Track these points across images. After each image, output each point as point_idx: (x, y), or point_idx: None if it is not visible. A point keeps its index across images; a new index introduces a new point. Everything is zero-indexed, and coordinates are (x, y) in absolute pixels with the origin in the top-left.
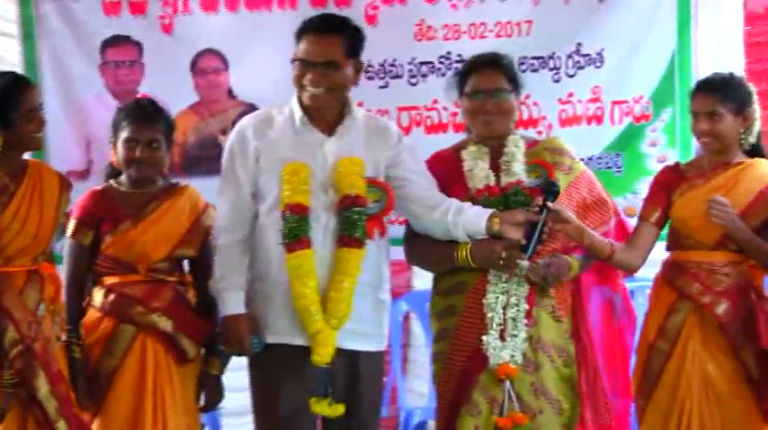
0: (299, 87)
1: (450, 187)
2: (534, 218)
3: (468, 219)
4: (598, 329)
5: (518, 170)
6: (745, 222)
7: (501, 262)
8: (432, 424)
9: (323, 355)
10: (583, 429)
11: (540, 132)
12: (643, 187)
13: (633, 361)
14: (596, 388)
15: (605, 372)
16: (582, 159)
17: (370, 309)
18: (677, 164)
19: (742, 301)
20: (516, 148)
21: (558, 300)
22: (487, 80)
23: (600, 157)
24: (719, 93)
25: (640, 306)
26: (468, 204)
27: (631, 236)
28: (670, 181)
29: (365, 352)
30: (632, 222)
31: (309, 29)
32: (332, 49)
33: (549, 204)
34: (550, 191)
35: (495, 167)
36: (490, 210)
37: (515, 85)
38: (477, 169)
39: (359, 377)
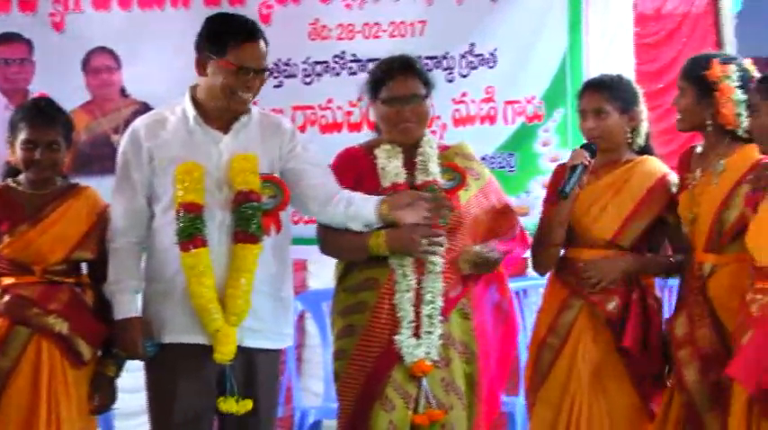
0: (230, 94)
1: (361, 185)
2: (424, 196)
3: (358, 210)
4: (491, 326)
5: (434, 170)
6: (634, 222)
7: (421, 248)
8: (327, 423)
9: (225, 353)
10: (476, 425)
11: (434, 132)
12: (536, 187)
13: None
14: (491, 385)
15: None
16: None
17: (269, 307)
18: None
19: (630, 299)
20: (431, 149)
21: (469, 298)
22: (403, 87)
23: (493, 157)
24: (606, 91)
25: (533, 304)
26: (357, 194)
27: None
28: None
29: (262, 350)
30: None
31: (245, 36)
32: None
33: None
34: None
35: (408, 167)
36: (375, 197)
37: (428, 87)
38: (390, 167)
39: (256, 375)
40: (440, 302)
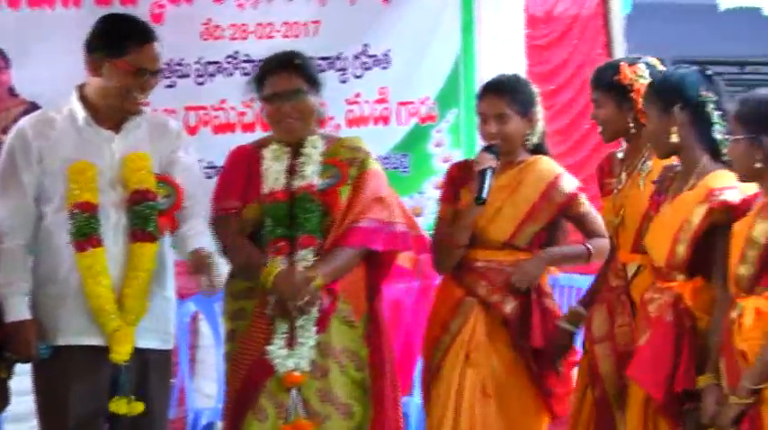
0: (126, 94)
1: (248, 185)
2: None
3: (186, 247)
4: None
5: (309, 173)
6: (530, 224)
7: (300, 303)
8: (220, 424)
9: (122, 353)
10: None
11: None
12: (429, 187)
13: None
14: (391, 390)
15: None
16: None
17: (157, 307)
18: (465, 161)
19: (526, 300)
20: (314, 150)
21: (353, 306)
22: (283, 82)
23: (387, 158)
24: (507, 95)
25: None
26: (201, 232)
27: (435, 235)
28: (459, 177)
29: (154, 350)
30: (419, 221)
31: (143, 38)
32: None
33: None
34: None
35: (293, 168)
36: (206, 247)
37: (313, 83)
38: (272, 170)
39: (148, 375)
40: (314, 313)
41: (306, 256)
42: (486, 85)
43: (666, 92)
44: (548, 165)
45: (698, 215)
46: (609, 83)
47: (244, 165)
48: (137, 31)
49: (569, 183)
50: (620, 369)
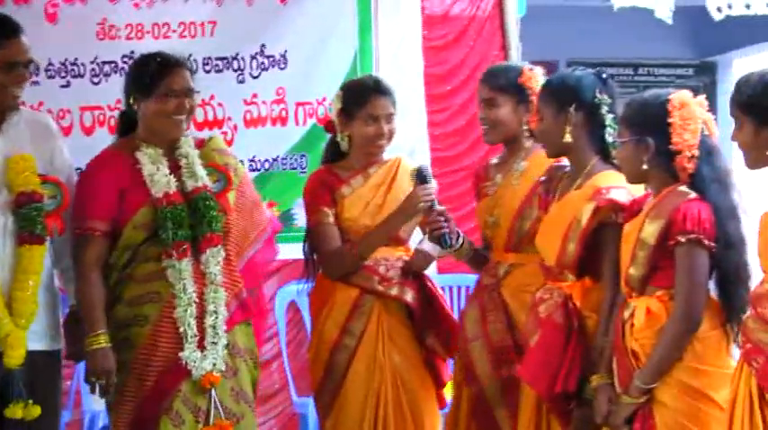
0: (2, 89)
1: (128, 192)
2: None
3: None
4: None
5: (202, 173)
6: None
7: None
8: None
9: (15, 357)
10: None
11: (225, 133)
12: None
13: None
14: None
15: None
16: (267, 160)
17: (43, 308)
18: (328, 166)
19: (421, 289)
20: (191, 149)
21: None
22: (183, 80)
23: (285, 158)
24: (393, 96)
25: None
26: None
27: (324, 241)
28: (331, 182)
29: (44, 352)
30: None
31: (11, 31)
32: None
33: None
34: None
35: (172, 170)
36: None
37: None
38: (159, 175)
39: (39, 379)
40: (223, 312)
41: (213, 255)
42: (375, 88)
43: (563, 92)
44: (408, 161)
45: (586, 213)
46: (510, 84)
47: (115, 175)
48: (2, 26)
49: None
50: (497, 367)
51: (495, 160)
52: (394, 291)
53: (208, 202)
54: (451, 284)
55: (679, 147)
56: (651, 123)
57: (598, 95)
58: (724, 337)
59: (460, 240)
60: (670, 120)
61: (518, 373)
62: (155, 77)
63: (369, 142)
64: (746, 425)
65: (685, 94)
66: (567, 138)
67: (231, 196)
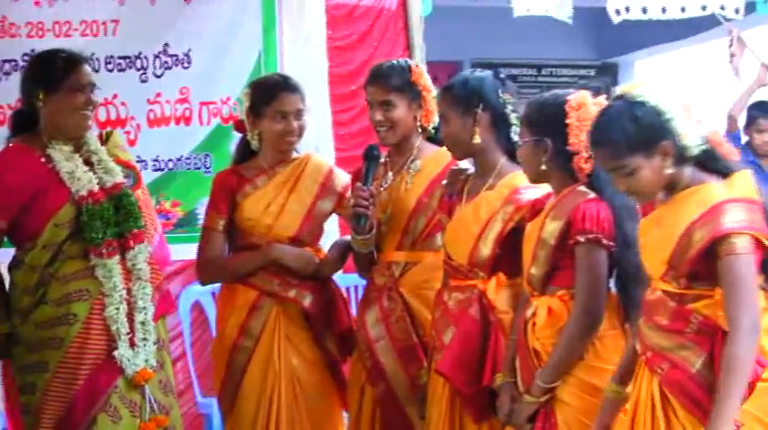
0: None
1: (45, 191)
2: None
3: None
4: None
5: (117, 169)
6: (315, 217)
7: None
8: None
9: None
10: None
11: (128, 132)
12: None
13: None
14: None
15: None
16: (171, 160)
17: None
18: (235, 167)
19: (322, 293)
20: (99, 145)
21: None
22: (88, 75)
23: (189, 158)
24: (301, 92)
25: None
26: None
27: (204, 247)
28: (232, 184)
29: None
30: None
31: None
32: None
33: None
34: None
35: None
36: None
37: None
38: (79, 172)
39: None
40: (151, 308)
41: (141, 251)
42: (284, 84)
43: (468, 94)
44: (319, 159)
45: (504, 214)
46: (404, 83)
47: (27, 176)
48: None
49: (343, 176)
50: (406, 364)
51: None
52: (291, 294)
53: (130, 198)
54: (348, 285)
55: (576, 148)
56: (549, 124)
57: (502, 95)
58: (623, 336)
59: (374, 230)
60: (567, 121)
61: (437, 369)
62: (62, 73)
63: (278, 139)
64: (648, 428)
65: (583, 95)
66: (477, 139)
67: (140, 193)
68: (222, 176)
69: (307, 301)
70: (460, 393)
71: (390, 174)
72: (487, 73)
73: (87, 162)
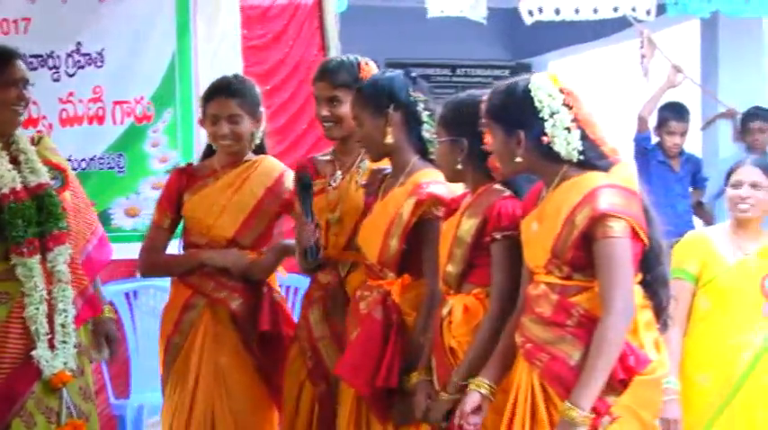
0: None
1: None
2: None
3: None
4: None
5: (43, 170)
6: (256, 220)
7: None
8: None
9: None
10: None
11: (39, 132)
12: (145, 187)
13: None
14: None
15: None
16: (84, 160)
17: None
18: (189, 165)
19: (254, 296)
20: (28, 144)
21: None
22: (21, 70)
23: (102, 158)
24: (237, 96)
25: (143, 306)
26: None
27: (146, 241)
28: (180, 183)
29: None
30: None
31: None
32: None
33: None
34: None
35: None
36: None
37: None
38: (3, 169)
39: None
40: (72, 311)
41: (61, 253)
42: (216, 88)
43: (379, 94)
44: (273, 163)
45: (407, 208)
46: (352, 80)
47: None
48: None
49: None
50: None
51: (322, 156)
52: (222, 295)
53: (53, 199)
54: (289, 285)
55: (490, 148)
56: (466, 124)
57: (412, 94)
58: None
59: (321, 252)
60: (482, 121)
61: (336, 371)
62: None
63: (213, 141)
64: (528, 423)
65: None
66: (389, 139)
67: (68, 195)
68: (174, 174)
69: (235, 304)
70: (361, 393)
71: (339, 173)
72: (397, 72)
73: (15, 160)
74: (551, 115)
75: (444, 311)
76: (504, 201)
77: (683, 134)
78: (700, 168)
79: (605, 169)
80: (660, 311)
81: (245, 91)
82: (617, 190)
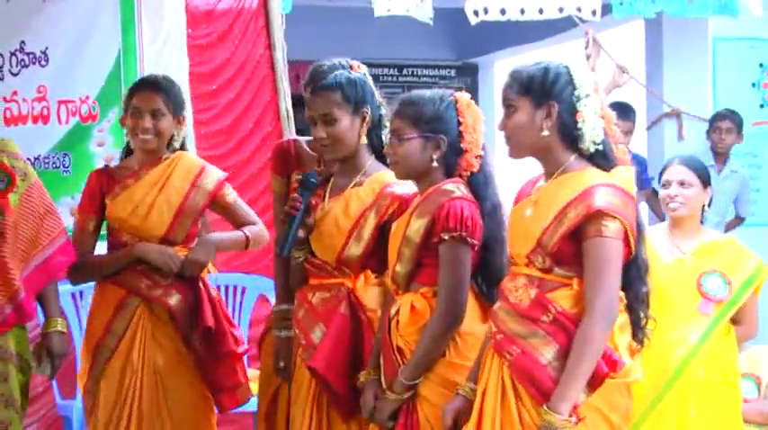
0: None
1: None
2: None
3: None
4: None
5: None
6: (184, 216)
7: None
8: None
9: None
10: None
11: None
12: None
13: None
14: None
15: None
16: (29, 159)
17: None
18: (107, 167)
19: (191, 293)
20: None
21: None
22: None
23: (47, 157)
24: (163, 92)
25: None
26: None
27: (76, 248)
28: (101, 185)
29: None
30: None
31: None
32: None
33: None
34: (308, 183)
35: None
36: None
37: None
38: None
39: None
40: None
41: None
42: (141, 81)
43: (356, 94)
44: (192, 158)
45: (378, 208)
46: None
47: None
48: None
49: (215, 173)
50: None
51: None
52: (157, 293)
53: None
54: (227, 283)
55: (467, 147)
56: (441, 121)
57: (377, 96)
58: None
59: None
60: (461, 120)
61: (309, 366)
62: None
63: (133, 137)
64: (497, 417)
65: (466, 95)
66: (364, 139)
67: (13, 199)
68: (93, 177)
69: (173, 301)
70: (332, 391)
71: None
72: (363, 73)
73: None
74: (587, 96)
75: (392, 310)
76: (453, 202)
77: (628, 133)
78: (645, 168)
79: (608, 169)
80: (637, 330)
81: (171, 89)
82: (615, 190)
